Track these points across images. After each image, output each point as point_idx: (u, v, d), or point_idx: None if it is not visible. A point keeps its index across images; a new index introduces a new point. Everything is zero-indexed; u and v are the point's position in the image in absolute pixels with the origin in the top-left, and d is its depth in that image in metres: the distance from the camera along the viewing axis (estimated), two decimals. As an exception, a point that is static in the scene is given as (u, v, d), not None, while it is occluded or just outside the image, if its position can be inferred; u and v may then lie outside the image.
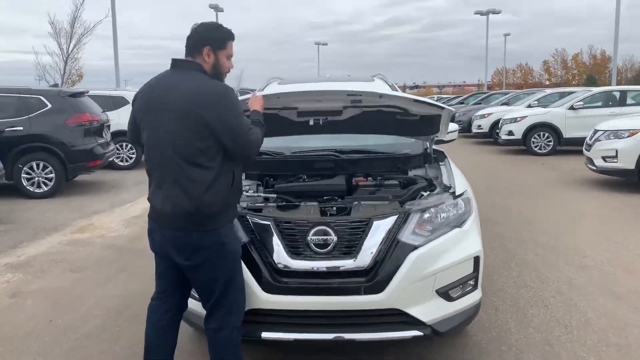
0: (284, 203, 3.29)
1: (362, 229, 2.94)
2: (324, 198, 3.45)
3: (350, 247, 2.91)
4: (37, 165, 8.82)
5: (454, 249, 3.03)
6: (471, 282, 3.11)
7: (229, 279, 2.60)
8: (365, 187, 3.55)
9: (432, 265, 2.92)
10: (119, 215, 7.63)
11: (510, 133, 14.12)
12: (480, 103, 21.87)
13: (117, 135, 11.37)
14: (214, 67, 2.57)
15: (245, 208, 3.16)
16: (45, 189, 8.87)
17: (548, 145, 13.68)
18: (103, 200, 8.73)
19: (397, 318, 2.88)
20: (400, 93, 3.71)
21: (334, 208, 3.20)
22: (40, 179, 8.85)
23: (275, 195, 3.46)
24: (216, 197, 2.44)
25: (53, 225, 6.99)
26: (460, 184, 3.44)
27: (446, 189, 3.40)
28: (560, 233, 6.08)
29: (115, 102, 12.27)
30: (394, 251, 2.90)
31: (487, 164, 12.59)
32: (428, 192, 3.37)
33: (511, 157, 13.88)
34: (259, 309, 2.86)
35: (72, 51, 24.72)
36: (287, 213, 3.11)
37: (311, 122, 3.64)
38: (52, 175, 8.87)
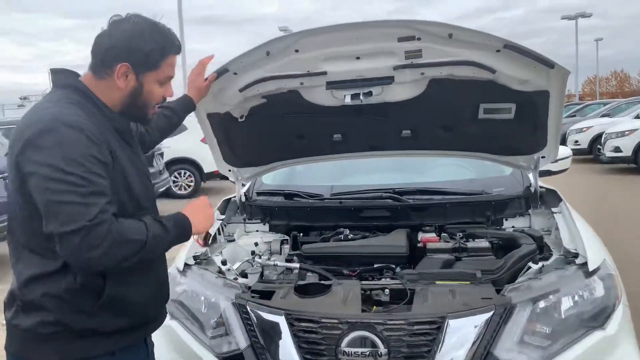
0: (303, 282, 2.13)
1: (431, 336, 1.73)
2: (371, 268, 2.27)
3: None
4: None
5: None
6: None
7: None
8: (436, 253, 2.31)
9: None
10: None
11: (617, 149, 12.08)
12: (574, 115, 19.59)
13: (175, 163, 10.96)
14: (132, 97, 1.60)
15: (246, 291, 2.04)
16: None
17: (665, 162, 11.57)
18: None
19: None
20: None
21: (386, 291, 2.00)
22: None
23: (298, 266, 2.31)
24: (42, 305, 1.47)
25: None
26: (594, 248, 2.12)
27: (569, 256, 2.11)
28: None
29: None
30: None
31: (589, 186, 10.71)
32: (541, 264, 2.08)
33: (618, 177, 11.85)
34: None
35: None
36: (307, 302, 1.95)
37: (347, 100, 2.25)
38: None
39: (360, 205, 2.77)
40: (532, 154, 2.62)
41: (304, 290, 2.05)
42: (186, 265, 2.34)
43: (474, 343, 1.72)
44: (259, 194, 3.15)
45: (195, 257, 2.40)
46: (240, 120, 2.48)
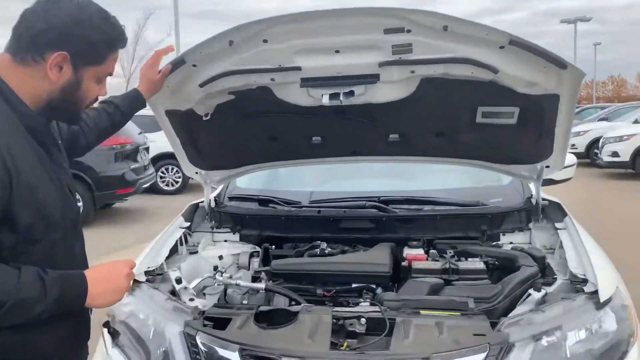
0: (266, 308, 1.82)
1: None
2: (349, 289, 1.98)
3: None
4: (67, 194, 7.98)
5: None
6: None
7: None
8: (423, 274, 2.01)
9: None
10: (135, 254, 6.49)
11: (615, 154, 11.82)
12: (571, 119, 19.36)
13: (161, 159, 10.62)
14: (64, 92, 1.33)
15: (198, 318, 1.74)
16: (73, 219, 7.97)
17: (663, 168, 11.33)
18: (130, 233, 7.70)
19: None
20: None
21: (362, 320, 1.69)
22: (67, 208, 7.97)
23: (263, 286, 2.01)
24: None
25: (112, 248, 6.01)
26: (605, 273, 1.82)
27: (576, 282, 1.81)
28: None
29: (157, 123, 11.39)
30: None
31: (586, 192, 10.43)
32: (543, 291, 1.79)
33: (616, 183, 11.60)
34: None
35: (133, 72, 24.77)
36: (267, 335, 1.64)
37: (325, 100, 1.93)
38: (80, 204, 7.97)
39: (340, 215, 2.46)
40: (536, 163, 2.33)
41: (266, 318, 1.75)
42: (135, 281, 2.03)
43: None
44: (231, 198, 2.84)
45: (147, 273, 2.09)
46: (205, 118, 2.17)
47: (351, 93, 1.90)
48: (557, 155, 2.23)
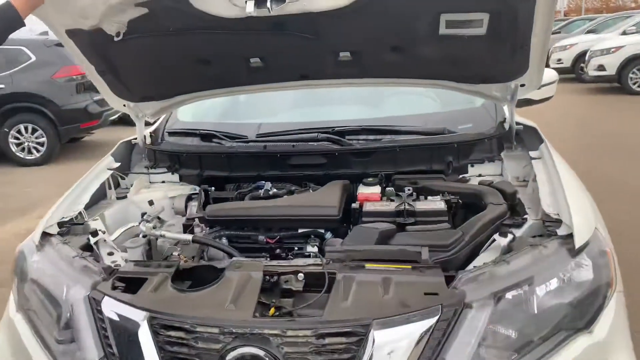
0: (187, 265, 1.57)
1: (348, 354, 1.21)
2: (295, 234, 1.75)
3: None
4: (26, 129, 7.54)
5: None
6: None
7: None
8: (374, 217, 1.75)
9: None
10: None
11: (601, 67, 11.44)
12: (558, 32, 18.67)
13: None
14: None
15: (107, 278, 1.49)
16: (37, 155, 7.60)
17: (650, 81, 11.03)
18: (98, 169, 7.36)
19: None
20: None
21: (300, 276, 1.45)
22: (30, 144, 7.58)
23: (190, 238, 1.74)
24: None
25: (23, 205, 5.67)
26: (583, 212, 1.57)
27: (550, 224, 1.57)
28: None
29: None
30: None
31: (572, 108, 10.17)
32: (510, 237, 1.55)
33: (602, 97, 11.31)
34: None
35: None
36: (183, 299, 1.39)
37: (250, 9, 1.56)
38: (44, 139, 7.58)
39: (289, 150, 2.16)
40: (509, 81, 2.01)
41: (188, 277, 1.50)
42: (45, 234, 1.76)
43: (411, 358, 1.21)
44: (170, 134, 2.52)
45: (61, 224, 1.81)
46: (117, 38, 1.80)
47: (281, 0, 1.53)
48: (534, 72, 1.91)
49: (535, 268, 1.38)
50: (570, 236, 1.45)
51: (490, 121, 2.29)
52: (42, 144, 7.60)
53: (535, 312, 1.34)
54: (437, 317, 1.24)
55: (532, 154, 2.03)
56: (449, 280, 1.36)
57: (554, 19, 1.81)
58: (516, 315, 1.33)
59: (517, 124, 2.19)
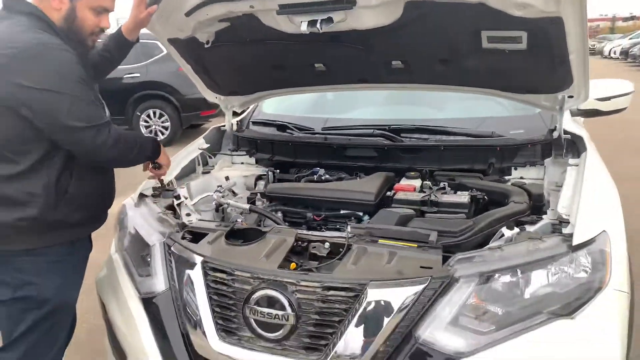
0: (240, 227, 1.92)
1: (345, 305, 1.48)
2: (337, 215, 2.05)
3: (320, 340, 1.49)
4: (154, 114, 8.55)
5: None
6: None
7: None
8: (401, 205, 2.00)
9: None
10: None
11: None
12: None
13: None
14: (67, 21, 1.75)
15: (180, 231, 1.90)
16: (162, 137, 8.57)
17: None
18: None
19: None
20: None
21: (327, 244, 1.75)
22: (157, 127, 8.58)
23: (247, 207, 2.11)
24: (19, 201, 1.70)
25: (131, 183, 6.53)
26: (594, 214, 1.70)
27: (557, 222, 1.72)
28: None
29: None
30: None
31: None
32: (516, 230, 1.72)
33: None
34: None
35: None
36: (229, 251, 1.75)
37: (304, 27, 1.85)
38: (168, 124, 8.55)
39: (345, 143, 2.46)
40: (555, 92, 2.13)
41: (239, 236, 1.86)
42: (141, 195, 2.23)
43: (393, 319, 1.46)
44: (254, 123, 2.94)
45: (155, 188, 2.28)
46: (207, 45, 2.23)
47: (329, 20, 1.83)
48: (580, 85, 2.02)
49: (528, 257, 1.54)
50: (571, 236, 1.58)
51: (542, 129, 2.40)
52: (166, 128, 8.57)
53: (524, 296, 1.51)
54: (424, 285, 1.47)
55: (571, 161, 2.13)
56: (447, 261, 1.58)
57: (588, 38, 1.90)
58: (504, 295, 1.51)
59: (566, 132, 2.28)
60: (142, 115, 8.57)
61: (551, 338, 1.45)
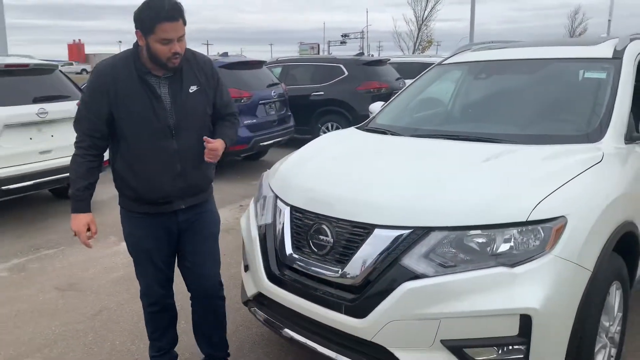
0: None
1: (360, 238, 2.38)
2: None
3: (343, 256, 2.42)
4: (332, 126, 9.95)
5: (487, 294, 2.13)
6: (516, 348, 2.14)
7: None
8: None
9: (434, 306, 2.17)
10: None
11: None
12: None
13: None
14: (148, 52, 2.29)
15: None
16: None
17: None
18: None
19: (382, 356, 2.28)
20: None
21: None
22: (332, 138, 9.93)
23: None
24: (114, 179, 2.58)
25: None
26: (562, 197, 2.29)
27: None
28: None
29: (416, 69, 12.31)
30: (388, 274, 2.27)
31: None
32: None
33: None
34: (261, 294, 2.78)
35: (425, 18, 25.90)
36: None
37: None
38: (342, 138, 9.83)
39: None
40: None
41: None
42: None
43: (386, 249, 2.26)
44: (367, 130, 3.88)
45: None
46: None
47: None
48: None
49: (493, 219, 2.19)
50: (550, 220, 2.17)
51: None
52: (340, 139, 9.88)
53: (483, 251, 2.19)
54: (410, 231, 2.27)
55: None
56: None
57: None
58: (467, 246, 2.20)
59: None
60: (322, 127, 10.03)
61: (489, 278, 2.12)
